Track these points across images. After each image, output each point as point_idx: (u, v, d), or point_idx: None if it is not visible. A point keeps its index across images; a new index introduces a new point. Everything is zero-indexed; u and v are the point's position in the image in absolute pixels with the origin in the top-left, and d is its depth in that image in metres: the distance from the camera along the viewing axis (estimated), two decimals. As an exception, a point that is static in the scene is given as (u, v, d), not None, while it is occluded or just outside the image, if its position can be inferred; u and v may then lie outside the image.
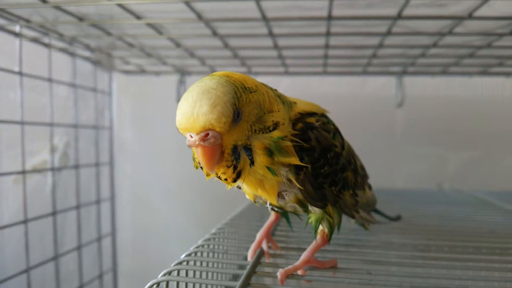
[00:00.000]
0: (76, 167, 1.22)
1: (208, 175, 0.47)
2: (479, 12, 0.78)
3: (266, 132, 0.45)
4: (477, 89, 1.39)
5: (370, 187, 0.70)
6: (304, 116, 0.51)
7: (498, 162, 1.40)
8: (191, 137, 0.43)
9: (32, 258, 0.99)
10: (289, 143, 0.47)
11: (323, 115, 0.55)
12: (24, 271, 0.97)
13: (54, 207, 1.10)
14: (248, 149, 0.45)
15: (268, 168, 0.46)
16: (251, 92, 0.45)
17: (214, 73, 0.45)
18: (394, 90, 1.39)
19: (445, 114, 1.41)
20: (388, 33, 0.91)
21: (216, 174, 0.45)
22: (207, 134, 0.42)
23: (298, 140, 0.48)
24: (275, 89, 0.51)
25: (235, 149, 0.44)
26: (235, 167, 0.44)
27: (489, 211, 0.95)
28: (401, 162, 1.42)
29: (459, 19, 0.81)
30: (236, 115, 0.43)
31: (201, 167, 0.46)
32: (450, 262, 0.59)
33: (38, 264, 1.02)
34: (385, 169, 1.36)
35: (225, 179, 0.46)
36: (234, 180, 0.45)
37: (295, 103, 0.52)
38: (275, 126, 0.46)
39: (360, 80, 1.42)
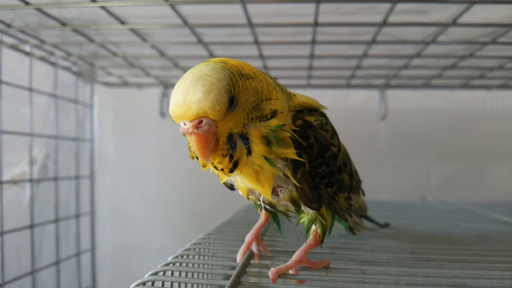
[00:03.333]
0: (55, 179, 1.19)
1: (204, 166, 0.46)
2: (463, 19, 0.79)
3: (264, 120, 0.44)
4: (458, 102, 1.41)
5: (363, 193, 0.70)
6: (304, 111, 0.50)
7: (481, 174, 1.42)
8: (185, 124, 0.41)
9: (8, 273, 0.95)
10: (288, 134, 0.46)
11: (322, 114, 0.54)
12: (-1, 286, 0.93)
13: (31, 220, 1.06)
14: (245, 138, 0.43)
15: (265, 158, 0.45)
16: (248, 78, 0.43)
17: (210, 59, 0.44)
18: (377, 103, 1.40)
19: (427, 127, 1.42)
20: (373, 41, 0.91)
21: (212, 164, 0.44)
22: (200, 122, 0.40)
23: (297, 137, 0.47)
24: (275, 78, 0.50)
25: (230, 138, 0.43)
26: (231, 157, 0.43)
27: (475, 219, 0.95)
28: (385, 174, 1.42)
29: (443, 25, 0.82)
30: (231, 102, 0.41)
31: (197, 157, 0.44)
32: (439, 262, 0.58)
33: (14, 278, 0.98)
34: (369, 182, 1.35)
35: (222, 169, 0.44)
36: (231, 171, 0.44)
37: (294, 95, 0.51)
38: (273, 114, 0.45)
39: (344, 93, 1.43)
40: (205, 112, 0.40)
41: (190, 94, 0.40)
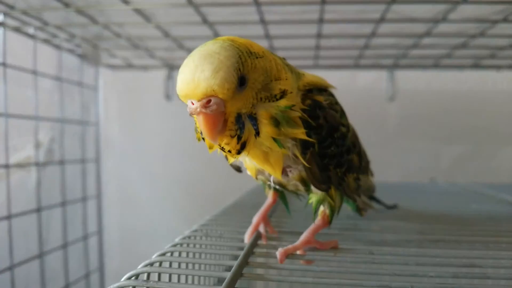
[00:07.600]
0: (62, 163, 1.19)
1: (211, 147, 0.45)
2: (474, -4, 0.77)
3: (273, 101, 0.43)
4: (468, 83, 1.39)
5: (372, 174, 0.69)
6: (313, 91, 0.49)
7: (490, 155, 1.40)
8: (193, 104, 0.40)
9: (16, 256, 0.96)
10: (297, 114, 0.45)
11: (331, 94, 0.53)
12: (7, 268, 0.93)
13: (38, 203, 1.06)
14: (253, 118, 0.42)
15: (274, 139, 0.44)
16: (257, 57, 0.42)
17: (217, 38, 0.43)
18: (385, 84, 1.38)
19: (436, 108, 1.40)
20: (382, 19, 0.89)
21: (220, 145, 0.43)
22: (209, 101, 0.39)
23: (306, 117, 0.46)
24: (284, 58, 0.49)
25: (239, 118, 0.41)
26: (239, 138, 0.42)
27: (484, 200, 0.94)
28: (394, 156, 1.41)
29: (454, 3, 0.80)
30: (240, 81, 0.40)
31: (203, 139, 0.43)
32: (448, 243, 0.57)
33: (22, 261, 0.99)
34: (377, 163, 1.34)
35: (229, 151, 0.43)
36: (239, 152, 0.43)
37: (303, 74, 0.50)
38: (283, 94, 0.43)
39: (352, 74, 1.41)
40: (214, 90, 0.39)
41: (199, 72, 0.39)
